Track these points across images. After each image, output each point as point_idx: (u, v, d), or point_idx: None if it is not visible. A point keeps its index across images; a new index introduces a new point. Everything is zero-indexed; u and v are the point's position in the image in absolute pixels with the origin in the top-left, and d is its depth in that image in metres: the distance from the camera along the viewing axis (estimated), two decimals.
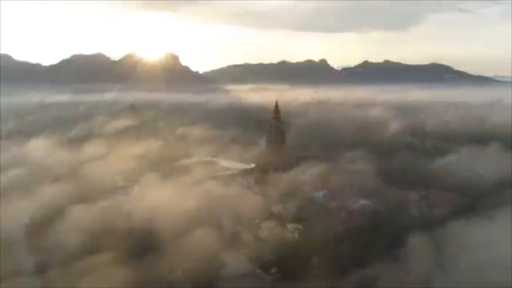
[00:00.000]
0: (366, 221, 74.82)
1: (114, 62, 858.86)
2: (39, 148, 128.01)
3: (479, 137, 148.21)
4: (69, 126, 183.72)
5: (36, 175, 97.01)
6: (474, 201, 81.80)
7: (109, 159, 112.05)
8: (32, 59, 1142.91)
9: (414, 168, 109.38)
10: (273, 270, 58.69)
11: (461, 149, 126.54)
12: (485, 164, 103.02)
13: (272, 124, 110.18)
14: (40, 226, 69.59)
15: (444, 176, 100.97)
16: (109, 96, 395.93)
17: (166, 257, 56.16)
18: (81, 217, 66.53)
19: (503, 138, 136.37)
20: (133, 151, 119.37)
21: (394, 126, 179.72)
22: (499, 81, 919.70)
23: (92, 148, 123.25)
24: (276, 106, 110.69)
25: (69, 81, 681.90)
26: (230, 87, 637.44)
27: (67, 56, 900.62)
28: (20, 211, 72.35)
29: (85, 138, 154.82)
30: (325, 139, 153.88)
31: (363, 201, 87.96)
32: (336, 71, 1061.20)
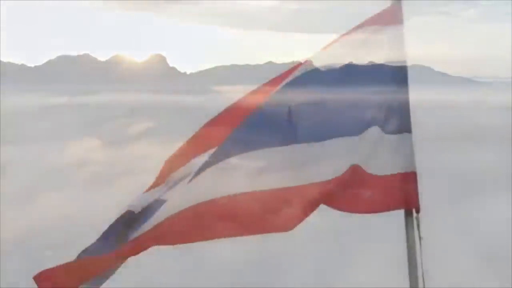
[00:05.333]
0: None
1: (102, 63, 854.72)
2: (91, 149, 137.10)
3: (469, 137, 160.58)
4: (92, 129, 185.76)
5: (112, 170, 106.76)
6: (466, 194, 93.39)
7: (155, 158, 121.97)
8: (17, 60, 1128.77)
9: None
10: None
11: (453, 148, 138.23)
12: (477, 163, 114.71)
13: None
14: None
15: (438, 172, 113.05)
16: (103, 97, 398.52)
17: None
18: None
19: (493, 138, 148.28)
20: (169, 150, 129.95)
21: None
22: (478, 82, 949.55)
23: (134, 148, 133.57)
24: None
25: (57, 82, 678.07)
26: (219, 88, 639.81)
27: (52, 57, 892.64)
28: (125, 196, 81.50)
29: (118, 139, 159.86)
30: None
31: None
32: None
